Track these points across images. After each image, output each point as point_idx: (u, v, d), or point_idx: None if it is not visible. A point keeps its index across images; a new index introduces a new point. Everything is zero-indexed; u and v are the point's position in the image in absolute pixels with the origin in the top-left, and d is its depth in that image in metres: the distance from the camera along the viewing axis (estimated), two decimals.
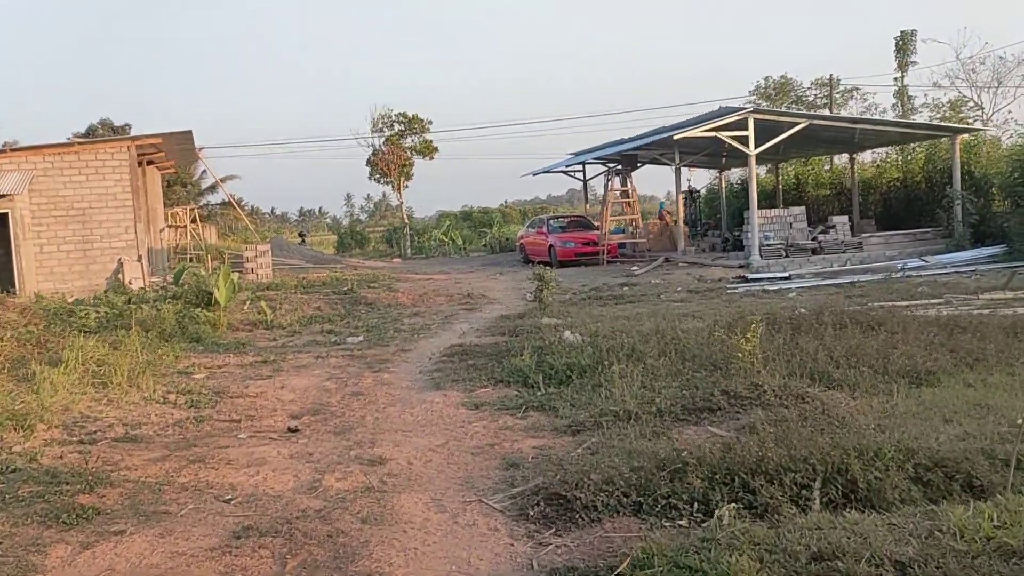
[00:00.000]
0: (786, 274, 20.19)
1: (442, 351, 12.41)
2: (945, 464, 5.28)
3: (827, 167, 32.13)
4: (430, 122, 40.46)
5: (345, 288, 20.51)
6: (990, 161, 23.30)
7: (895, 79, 39.99)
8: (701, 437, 6.61)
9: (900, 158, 27.42)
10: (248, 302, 17.94)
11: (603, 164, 31.17)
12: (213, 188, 53.79)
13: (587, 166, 33.03)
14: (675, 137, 21.73)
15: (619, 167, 27.29)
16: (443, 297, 19.86)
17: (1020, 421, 6.22)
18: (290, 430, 8.15)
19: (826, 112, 36.33)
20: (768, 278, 20.00)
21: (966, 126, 25.71)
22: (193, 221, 33.85)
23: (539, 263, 28.27)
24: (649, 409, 7.38)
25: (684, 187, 33.09)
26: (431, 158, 40.56)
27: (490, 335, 13.89)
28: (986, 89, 38.77)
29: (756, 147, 21.66)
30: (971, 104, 37.03)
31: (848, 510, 4.86)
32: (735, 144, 21.58)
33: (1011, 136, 24.91)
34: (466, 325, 15.65)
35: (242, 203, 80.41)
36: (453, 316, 17.03)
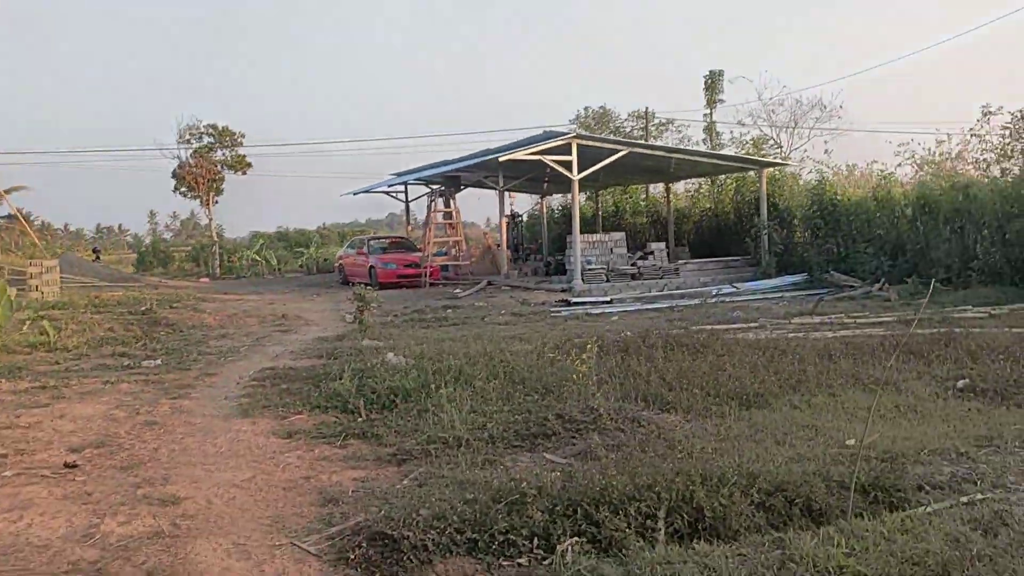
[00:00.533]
0: (607, 298, 20.37)
1: (252, 375, 11.42)
2: (785, 489, 5.06)
3: (643, 196, 33.16)
4: (242, 135, 38.71)
5: (143, 308, 18.87)
6: (792, 195, 24.68)
7: (704, 115, 42.08)
8: (538, 465, 6.15)
9: (712, 189, 28.65)
10: (29, 322, 16.06)
11: (426, 185, 30.71)
12: (6, 194, 48.91)
13: (409, 188, 32.47)
14: (500, 159, 21.57)
15: (442, 188, 26.92)
16: (255, 319, 18.65)
17: (850, 442, 6.18)
18: (67, 465, 7.01)
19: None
20: (591, 302, 20.10)
21: (772, 160, 27.21)
22: None
23: (359, 284, 27.42)
24: (480, 435, 6.86)
25: (507, 211, 33.24)
26: (243, 173, 38.72)
27: (306, 358, 12.99)
28: (784, 129, 41.52)
29: (579, 172, 21.85)
30: (771, 142, 39.48)
31: (695, 541, 4.53)
32: (559, 168, 21.68)
33: (810, 172, 26.59)
34: (280, 348, 14.63)
35: (31, 217, 74.21)
36: (265, 338, 15.93)
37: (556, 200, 36.62)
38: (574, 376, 8.08)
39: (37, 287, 22.81)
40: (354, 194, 33.89)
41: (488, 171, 26.48)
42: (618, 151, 22.24)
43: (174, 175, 37.93)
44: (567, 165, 21.77)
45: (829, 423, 6.71)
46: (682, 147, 30.17)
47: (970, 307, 14.35)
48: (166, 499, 5.82)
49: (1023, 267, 17.43)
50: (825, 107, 39.78)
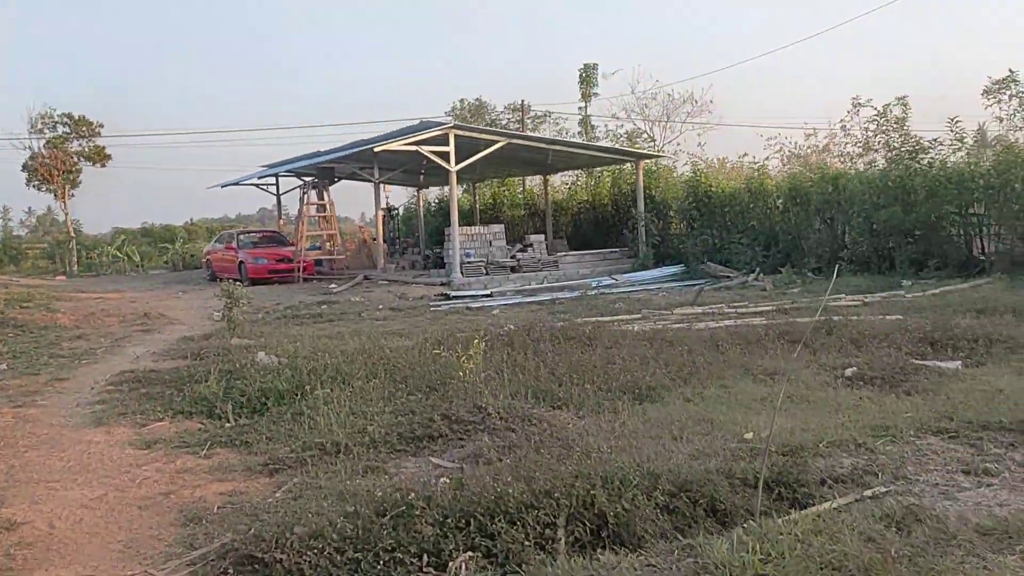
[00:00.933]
0: (488, 291, 20.09)
1: (109, 379, 10.52)
2: (688, 488, 4.82)
3: (521, 189, 33.04)
4: (101, 125, 36.45)
5: None
6: (668, 187, 25.02)
7: (579, 108, 42.38)
8: (424, 471, 5.73)
9: (589, 181, 28.75)
10: None
11: (298, 178, 29.67)
12: None
13: (281, 180, 31.28)
14: (375, 150, 20.94)
15: (315, 181, 25.98)
16: (114, 318, 17.43)
17: (748, 436, 6.03)
18: None
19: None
20: (470, 295, 19.76)
21: (648, 152, 27.48)
22: None
23: (228, 280, 26.15)
24: (361, 440, 6.38)
25: (383, 205, 32.58)
26: (102, 165, 36.48)
27: (170, 359, 12.12)
28: (657, 122, 42.27)
29: (456, 163, 21.45)
30: (645, 136, 40.06)
31: (599, 550, 4.21)
32: (436, 159, 21.22)
33: (685, 164, 27.04)
34: (141, 348, 13.64)
35: None
36: (126, 339, 14.85)
37: (433, 193, 36.15)
38: (459, 373, 7.70)
39: None
40: (222, 186, 32.39)
41: (363, 163, 25.75)
42: (496, 142, 21.97)
43: (25, 167, 35.37)
44: (444, 156, 21.33)
45: (724, 416, 6.55)
46: (560, 139, 30.12)
47: (843, 295, 14.73)
48: (0, 524, 5.10)
49: (890, 256, 18.13)
50: (696, 101, 40.69)
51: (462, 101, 43.69)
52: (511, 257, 22.68)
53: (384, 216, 32.94)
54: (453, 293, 19.77)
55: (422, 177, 31.40)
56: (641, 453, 5.46)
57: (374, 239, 29.93)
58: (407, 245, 32.43)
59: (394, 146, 20.95)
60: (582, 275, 22.76)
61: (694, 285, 19.31)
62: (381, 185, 26.07)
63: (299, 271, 24.79)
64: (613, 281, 21.14)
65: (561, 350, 9.14)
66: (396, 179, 30.91)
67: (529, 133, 30.71)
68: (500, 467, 4.98)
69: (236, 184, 32.08)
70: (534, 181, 34.18)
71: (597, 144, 29.72)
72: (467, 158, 21.65)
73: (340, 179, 28.59)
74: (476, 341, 8.05)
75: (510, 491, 4.48)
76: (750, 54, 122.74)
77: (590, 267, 23.36)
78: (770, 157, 23.42)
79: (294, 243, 26.98)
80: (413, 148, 21.00)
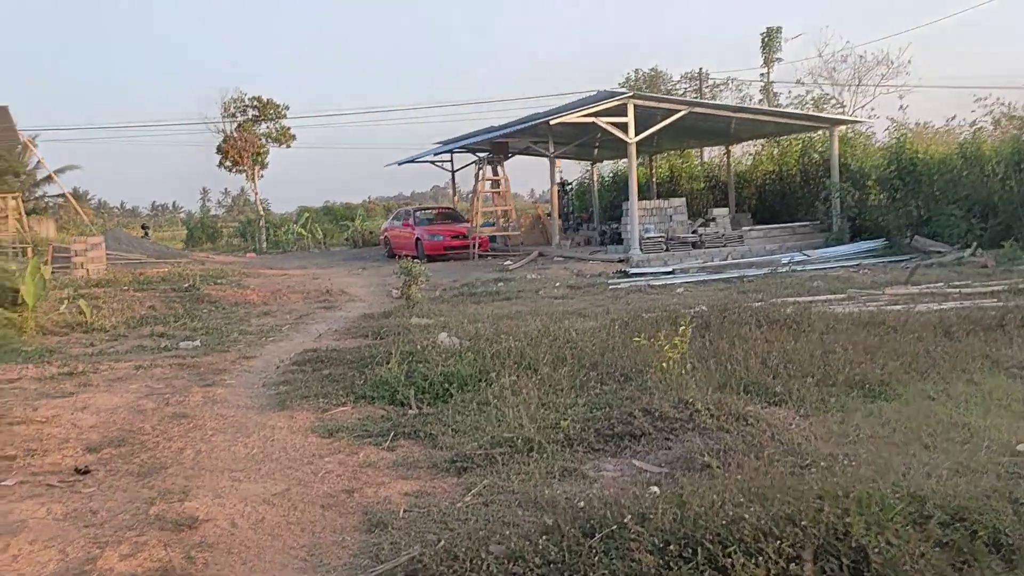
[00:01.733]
0: (669, 268, 19.15)
1: (292, 358, 10.48)
2: (964, 517, 3.90)
3: (699, 161, 31.61)
4: (286, 107, 37.87)
5: (186, 285, 18.11)
6: (866, 155, 23.07)
7: (760, 75, 40.23)
8: (627, 474, 5.06)
9: (776, 150, 27.02)
10: (68, 301, 15.35)
11: (473, 154, 29.59)
12: (50, 179, 48.75)
13: (455, 156, 31.36)
14: (551, 122, 20.35)
15: (490, 156, 25.72)
16: (298, 294, 17.78)
17: (1021, 447, 4.99)
18: (78, 471, 6.11)
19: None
20: (651, 272, 18.89)
21: (845, 117, 25.43)
22: (16, 210, 30.12)
23: (405, 257, 26.46)
24: (554, 436, 5.78)
25: (556, 180, 32.13)
26: (288, 146, 37.93)
27: (351, 337, 12.03)
28: (847, 87, 39.48)
29: (635, 135, 20.53)
30: (833, 101, 37.49)
31: None
32: (614, 131, 20.39)
33: (886, 130, 24.85)
34: (323, 326, 13.71)
35: (88, 196, 74.58)
36: (309, 316, 15.03)
37: (606, 167, 35.25)
38: (659, 361, 6.95)
39: (83, 264, 22.24)
40: (399, 164, 32.90)
41: (537, 137, 25.25)
42: (676, 111, 20.86)
43: (219, 150, 37.26)
44: (622, 127, 20.45)
45: (981, 420, 5.51)
46: (746, 106, 28.42)
47: None
48: (182, 521, 4.83)
49: None
50: (892, 63, 37.64)
51: (636, 71, 42.45)
52: (692, 232, 21.57)
53: (559, 191, 32.53)
54: (632, 270, 18.95)
55: (596, 150, 30.64)
56: (890, 466, 4.57)
57: (548, 215, 29.49)
58: (581, 220, 31.82)
59: (570, 118, 20.28)
60: (769, 251, 21.36)
61: (898, 261, 17.62)
62: (554, 160, 25.50)
63: (474, 248, 24.66)
64: (805, 257, 19.67)
65: (768, 336, 8.20)
66: (570, 153, 30.28)
67: (710, 101, 29.13)
68: (726, 482, 4.20)
69: (412, 161, 32.45)
70: (713, 152, 32.70)
71: (786, 110, 27.83)
72: (645, 129, 20.69)
73: (513, 154, 28.27)
74: (683, 327, 7.19)
75: (745, 516, 3.72)
76: (953, 8, 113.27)
77: (778, 242, 21.90)
78: (978, 121, 20.91)
79: (469, 220, 26.92)
80: (590, 120, 20.25)
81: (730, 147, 27.32)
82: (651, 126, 20.80)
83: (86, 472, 6.08)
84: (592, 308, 13.84)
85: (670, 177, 30.64)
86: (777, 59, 39.55)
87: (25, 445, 6.90)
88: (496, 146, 26.38)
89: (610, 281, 17.94)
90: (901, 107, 44.77)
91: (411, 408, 7.36)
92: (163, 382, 9.35)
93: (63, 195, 48.58)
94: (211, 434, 6.96)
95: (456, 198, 32.36)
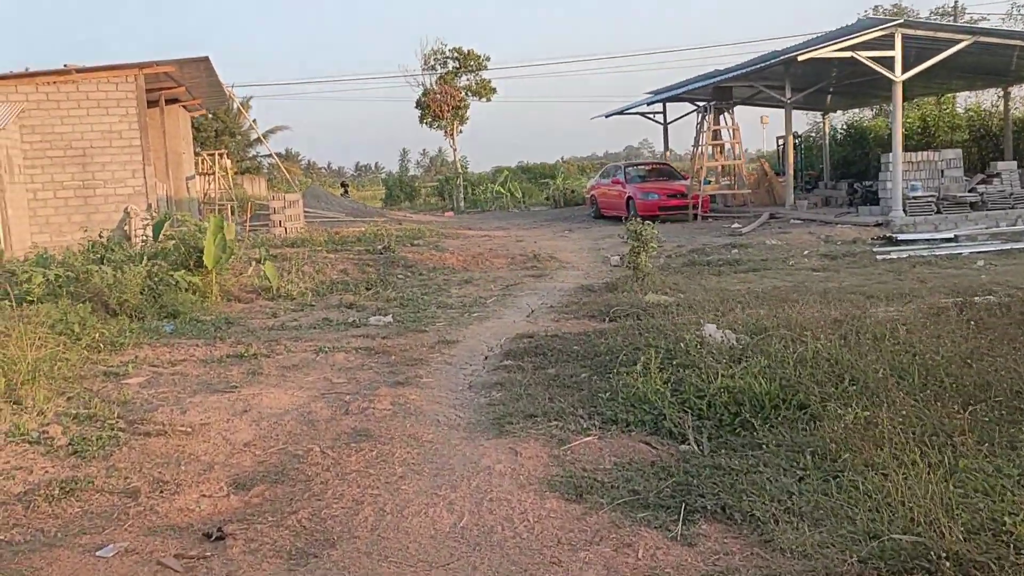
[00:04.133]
0: (949, 234, 15.56)
1: (504, 345, 8.28)
2: None
3: (963, 108, 26.81)
4: (487, 58, 35.88)
5: (381, 246, 16.43)
6: None
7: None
8: None
9: None
10: (259, 262, 13.99)
11: (691, 103, 26.48)
12: (265, 138, 49.75)
13: (668, 107, 28.29)
14: (800, 58, 17.01)
15: (717, 104, 22.50)
16: (502, 259, 15.68)
17: None
18: (208, 537, 4.07)
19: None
20: (924, 239, 15.39)
21: None
22: (224, 168, 29.99)
23: (614, 218, 24.02)
24: (1001, 554, 3.11)
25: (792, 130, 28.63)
26: (488, 99, 36.04)
27: (572, 318, 9.70)
28: None
29: (903, 71, 16.86)
30: None
31: None
32: (876, 67, 16.80)
33: None
34: (535, 299, 11.48)
35: (298, 157, 76.94)
36: (516, 285, 12.86)
37: (837, 119, 31.06)
38: None
39: (281, 223, 21.24)
40: (606, 116, 30.17)
41: (770, 81, 21.85)
42: (957, 42, 16.93)
43: (418, 104, 35.98)
44: (887, 63, 16.83)
45: None
46: None
47: None
48: None
49: None
50: None
51: (875, 8, 37.21)
52: (970, 191, 17.65)
53: (784, 145, 28.80)
54: (901, 236, 15.51)
55: (829, 98, 26.67)
56: None
57: (777, 173, 26.05)
58: (810, 179, 28.06)
59: (824, 52, 16.87)
60: None
61: None
62: (791, 107, 21.98)
63: (699, 208, 21.73)
64: None
65: None
66: (799, 102, 26.49)
67: (1001, 28, 23.88)
68: None
69: (621, 113, 29.69)
70: (969, 98, 27.80)
71: None
72: (913, 66, 16.97)
73: (737, 103, 24.96)
74: None
75: None
76: None
77: None
78: None
79: (686, 176, 23.96)
80: (847, 54, 16.76)
81: (1009, 89, 22.66)
82: (922, 62, 17.04)
83: (219, 538, 4.03)
84: (874, 285, 10.82)
85: (922, 128, 26.19)
86: None
87: (156, 472, 5.01)
88: (719, 92, 23.17)
89: (876, 250, 14.63)
90: None
91: (692, 446, 4.88)
92: (345, 374, 7.36)
93: (271, 155, 49.59)
94: (400, 475, 4.77)
95: (667, 153, 29.33)
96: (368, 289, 12.67)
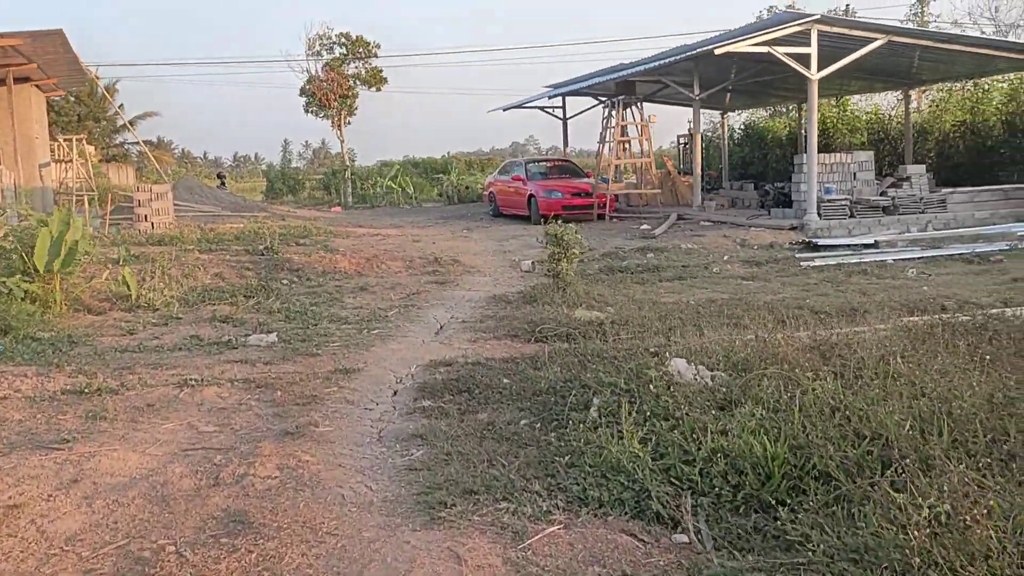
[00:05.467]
0: (870, 239, 14.95)
1: (416, 375, 6.86)
2: None
3: (864, 110, 26.66)
4: (378, 46, 34.01)
5: (263, 246, 14.67)
6: None
7: (914, 14, 34.88)
8: None
9: (974, 94, 22.09)
10: (116, 264, 12.06)
11: (594, 98, 25.51)
12: (132, 124, 46.19)
13: (568, 102, 27.22)
14: (717, 52, 16.11)
15: (624, 98, 21.46)
16: (400, 262, 14.18)
17: None
18: None
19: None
20: (845, 245, 14.74)
21: None
22: (82, 154, 27.20)
23: (514, 217, 22.77)
24: None
25: (690, 128, 28.01)
26: (379, 89, 34.15)
27: (491, 336, 8.35)
28: (1013, 28, 33.97)
29: (819, 69, 16.21)
30: None
31: None
32: (793, 63, 16.08)
33: None
34: (443, 312, 10.07)
35: (172, 146, 72.52)
36: (419, 294, 11.41)
37: (735, 119, 30.78)
38: None
39: (147, 217, 19.04)
40: (503, 110, 28.89)
41: (677, 76, 21.01)
42: (871, 41, 16.38)
43: (303, 92, 33.79)
44: (803, 60, 16.14)
45: None
46: (966, 34, 22.78)
47: None
48: None
49: None
50: None
51: (770, 9, 37.16)
52: (881, 194, 17.18)
53: (687, 144, 28.21)
54: (822, 242, 14.80)
55: (729, 97, 26.11)
56: None
57: (681, 172, 25.40)
58: (711, 179, 27.55)
59: (739, 47, 16.04)
60: (980, 220, 16.91)
61: None
62: (699, 103, 21.17)
63: (605, 207, 20.69)
64: None
65: None
66: (702, 100, 25.82)
67: (915, 28, 23.38)
68: None
69: (519, 107, 28.48)
70: (862, 100, 27.82)
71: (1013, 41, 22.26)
72: (825, 65, 16.34)
73: (640, 99, 24.09)
74: None
75: None
76: None
77: (987, 208, 17.36)
78: None
79: (589, 174, 22.95)
80: (764, 49, 15.96)
81: (908, 92, 22.51)
82: (835, 61, 16.44)
83: None
84: (815, 297, 9.90)
85: (822, 130, 25.91)
86: None
87: None
88: (623, 88, 22.18)
89: (799, 256, 13.85)
90: None
91: (687, 533, 3.59)
92: (217, 419, 5.79)
93: (145, 141, 46.30)
94: None
95: (567, 151, 28.28)
96: (248, 298, 10.97)
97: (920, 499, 3.42)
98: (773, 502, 3.81)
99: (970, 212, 17.28)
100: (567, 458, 4.47)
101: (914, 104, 23.87)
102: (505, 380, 6.30)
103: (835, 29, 16.28)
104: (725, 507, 3.91)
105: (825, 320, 8.38)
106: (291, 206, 31.86)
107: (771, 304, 9.17)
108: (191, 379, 6.74)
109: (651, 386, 5.17)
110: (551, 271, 10.55)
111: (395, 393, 6.40)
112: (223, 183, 33.76)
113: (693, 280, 11.88)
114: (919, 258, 13.31)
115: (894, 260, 13.19)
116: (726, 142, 28.74)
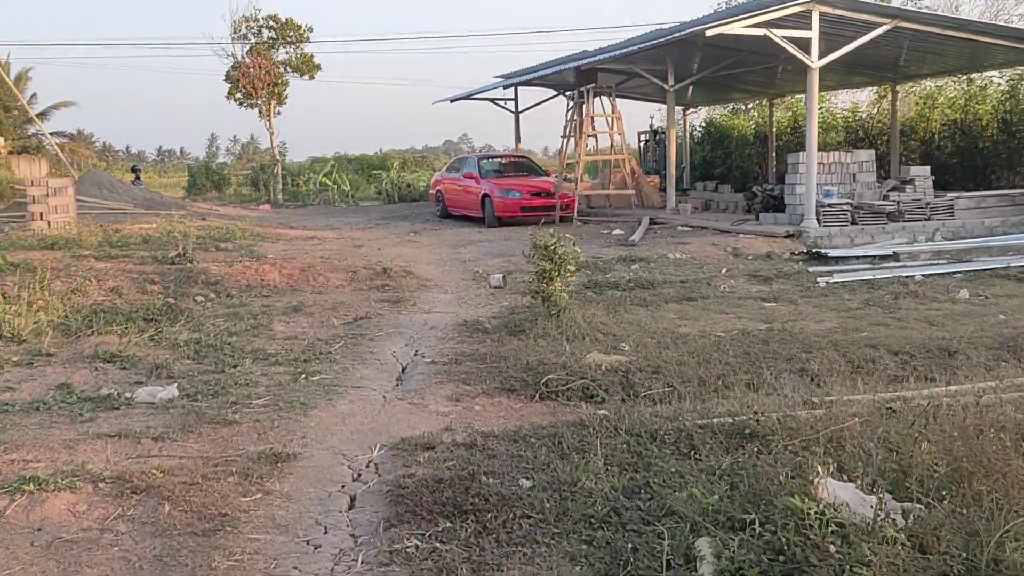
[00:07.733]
0: (885, 250, 13.08)
1: (382, 466, 4.57)
2: None
3: (838, 106, 25.04)
4: (310, 30, 31.21)
5: (174, 253, 12.09)
6: None
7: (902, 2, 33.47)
8: None
9: (968, 90, 20.47)
10: None
11: (553, 89, 23.36)
12: (45, 114, 42.40)
13: (521, 93, 25.01)
14: (708, 33, 14.03)
15: (594, 86, 19.21)
16: (341, 273, 11.78)
17: None
18: None
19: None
20: (859, 256, 12.85)
21: None
22: None
23: (464, 218, 20.53)
24: None
25: (650, 127, 26.27)
26: (311, 77, 31.41)
27: (478, 388, 6.11)
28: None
29: (820, 57, 14.32)
30: None
31: None
32: (791, 48, 14.15)
33: None
34: (403, 346, 7.78)
35: (92, 138, 68.05)
36: (368, 319, 9.07)
37: (694, 116, 28.99)
38: None
39: (41, 215, 16.24)
40: (451, 101, 26.54)
41: (648, 65, 18.92)
42: (877, 25, 14.56)
43: (228, 78, 30.89)
44: (803, 45, 14.23)
45: None
46: (978, 20, 20.78)
47: None
48: None
49: None
50: None
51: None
52: (883, 198, 15.37)
53: (648, 142, 26.28)
54: (834, 253, 12.87)
55: (691, 91, 24.10)
56: None
57: (650, 172, 23.44)
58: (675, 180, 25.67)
59: (735, 28, 14.02)
60: (989, 227, 15.25)
61: None
62: (673, 94, 19.14)
63: (569, 209, 18.52)
64: None
65: None
66: (657, 96, 23.83)
67: (927, 12, 21.41)
68: None
69: (467, 98, 26.13)
70: (835, 98, 26.25)
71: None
72: (825, 54, 14.48)
73: (603, 91, 21.97)
74: None
75: None
76: None
77: (995, 215, 15.70)
78: None
79: (549, 172, 20.78)
80: (760, 31, 14.00)
81: (895, 87, 20.83)
82: (836, 49, 14.59)
83: None
84: (870, 328, 7.89)
85: (793, 128, 24.23)
86: None
87: None
88: (583, 78, 19.99)
89: (812, 270, 11.87)
90: None
91: None
92: (59, 570, 3.41)
93: (57, 133, 42.69)
94: None
95: (519, 146, 26.10)
96: (147, 322, 8.49)
97: None
98: None
99: (978, 220, 15.60)
100: None
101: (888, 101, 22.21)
102: (525, 482, 4.06)
103: (837, 11, 14.38)
104: None
105: (913, 365, 6.40)
106: (214, 203, 28.94)
107: (831, 340, 7.10)
108: (34, 477, 4.33)
109: (808, 534, 2.97)
110: (540, 292, 8.31)
111: (352, 505, 4.10)
112: (138, 177, 30.59)
113: (704, 301, 9.78)
114: (952, 273, 11.47)
115: (923, 276, 11.31)
116: (687, 141, 26.87)
